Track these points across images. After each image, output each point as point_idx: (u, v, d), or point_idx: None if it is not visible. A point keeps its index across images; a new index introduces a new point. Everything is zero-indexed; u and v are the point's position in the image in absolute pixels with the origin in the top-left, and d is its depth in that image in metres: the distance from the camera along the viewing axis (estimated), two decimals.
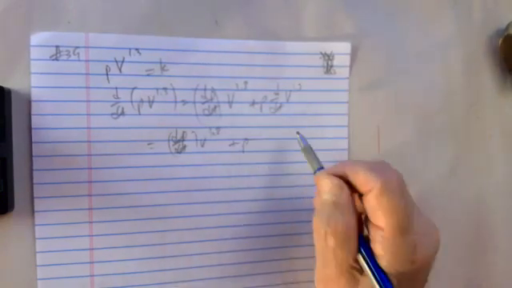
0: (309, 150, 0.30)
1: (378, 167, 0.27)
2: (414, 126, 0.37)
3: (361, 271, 0.26)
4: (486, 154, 0.39)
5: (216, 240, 0.33)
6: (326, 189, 0.27)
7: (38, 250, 0.30)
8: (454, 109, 0.38)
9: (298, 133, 0.32)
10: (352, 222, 0.26)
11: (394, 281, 0.25)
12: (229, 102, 0.33)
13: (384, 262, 0.25)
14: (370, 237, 0.26)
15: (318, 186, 0.28)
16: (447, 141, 0.38)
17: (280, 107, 0.34)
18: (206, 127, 0.33)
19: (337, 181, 0.27)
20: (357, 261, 0.26)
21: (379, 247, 0.25)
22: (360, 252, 0.26)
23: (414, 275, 0.25)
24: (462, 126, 0.38)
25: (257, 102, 0.34)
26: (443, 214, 0.38)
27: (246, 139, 0.34)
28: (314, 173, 0.29)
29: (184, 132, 0.33)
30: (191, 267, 0.33)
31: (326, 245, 0.26)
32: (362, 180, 0.26)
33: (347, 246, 0.25)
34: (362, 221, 0.27)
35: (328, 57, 0.35)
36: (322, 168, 0.29)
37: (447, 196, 0.38)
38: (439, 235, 0.27)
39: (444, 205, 0.38)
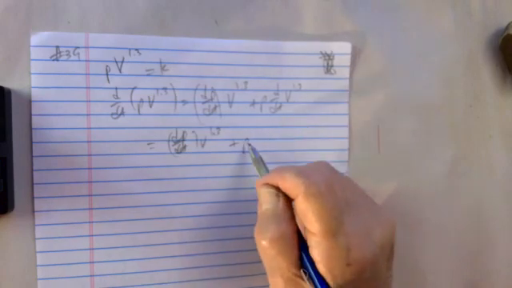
0: (259, 161, 0.31)
1: (306, 170, 0.27)
2: (414, 125, 0.37)
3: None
4: (486, 154, 0.39)
5: (216, 240, 0.33)
6: (264, 199, 0.27)
7: (38, 249, 0.30)
8: (453, 109, 0.38)
9: (249, 144, 0.33)
10: (289, 229, 0.26)
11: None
12: (229, 102, 0.33)
13: (322, 267, 0.24)
14: (308, 243, 0.25)
15: (258, 196, 0.28)
16: (447, 141, 0.38)
17: (280, 107, 0.34)
18: (206, 127, 0.33)
19: (273, 189, 0.27)
20: (300, 269, 0.25)
21: (315, 252, 0.24)
22: (301, 260, 0.25)
23: (356, 278, 0.24)
24: (462, 126, 0.38)
25: (257, 102, 0.34)
26: (443, 214, 0.38)
27: (247, 139, 0.34)
28: None
29: (184, 132, 0.33)
30: (191, 267, 0.33)
31: (268, 255, 0.25)
32: (290, 185, 0.26)
33: (287, 254, 0.25)
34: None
35: (328, 57, 0.35)
36: None
37: (447, 196, 0.38)
38: (385, 231, 0.26)
39: (444, 205, 0.38)
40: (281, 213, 0.26)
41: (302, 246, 0.26)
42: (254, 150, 0.33)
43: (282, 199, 0.27)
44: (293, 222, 0.26)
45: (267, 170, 0.31)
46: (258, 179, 0.29)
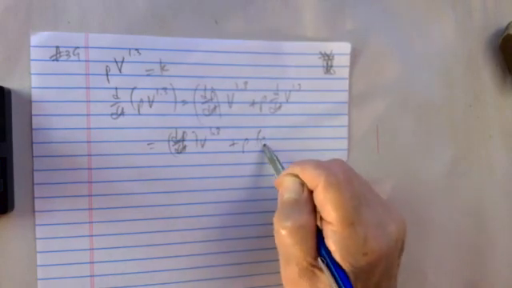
0: (275, 160, 0.32)
1: (325, 163, 0.27)
2: (413, 125, 0.37)
3: (321, 269, 0.26)
4: (486, 153, 0.39)
5: (216, 240, 0.33)
6: (288, 187, 0.28)
7: (38, 250, 0.30)
8: (454, 109, 0.38)
9: (264, 144, 0.34)
10: (310, 219, 0.26)
11: (351, 276, 0.25)
12: (229, 102, 0.33)
13: (338, 256, 0.25)
14: (324, 233, 0.26)
15: (281, 185, 0.28)
16: (447, 141, 0.38)
17: (280, 107, 0.34)
18: (206, 127, 0.33)
19: (298, 179, 0.28)
20: (316, 259, 0.26)
21: (331, 242, 0.25)
22: (318, 250, 0.26)
23: (371, 269, 0.25)
24: (462, 126, 0.38)
25: (257, 102, 0.34)
26: (443, 213, 0.38)
27: (246, 139, 0.34)
28: None
29: (184, 132, 0.33)
30: (192, 268, 0.33)
31: (286, 243, 0.26)
32: (309, 176, 0.26)
33: (305, 243, 0.25)
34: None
35: (328, 57, 0.35)
36: None
37: (447, 196, 0.38)
38: (399, 227, 0.27)
39: (444, 205, 0.38)
40: (304, 202, 0.27)
41: (318, 236, 0.26)
42: (269, 150, 0.33)
43: (305, 189, 0.27)
44: (314, 213, 0.27)
45: (283, 169, 0.31)
46: (276, 178, 0.30)
